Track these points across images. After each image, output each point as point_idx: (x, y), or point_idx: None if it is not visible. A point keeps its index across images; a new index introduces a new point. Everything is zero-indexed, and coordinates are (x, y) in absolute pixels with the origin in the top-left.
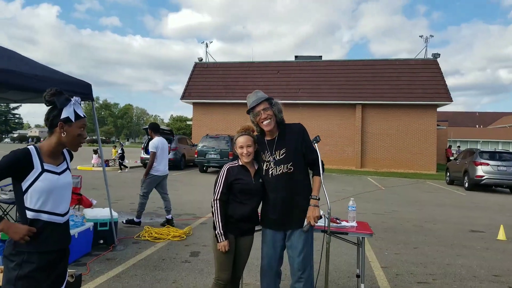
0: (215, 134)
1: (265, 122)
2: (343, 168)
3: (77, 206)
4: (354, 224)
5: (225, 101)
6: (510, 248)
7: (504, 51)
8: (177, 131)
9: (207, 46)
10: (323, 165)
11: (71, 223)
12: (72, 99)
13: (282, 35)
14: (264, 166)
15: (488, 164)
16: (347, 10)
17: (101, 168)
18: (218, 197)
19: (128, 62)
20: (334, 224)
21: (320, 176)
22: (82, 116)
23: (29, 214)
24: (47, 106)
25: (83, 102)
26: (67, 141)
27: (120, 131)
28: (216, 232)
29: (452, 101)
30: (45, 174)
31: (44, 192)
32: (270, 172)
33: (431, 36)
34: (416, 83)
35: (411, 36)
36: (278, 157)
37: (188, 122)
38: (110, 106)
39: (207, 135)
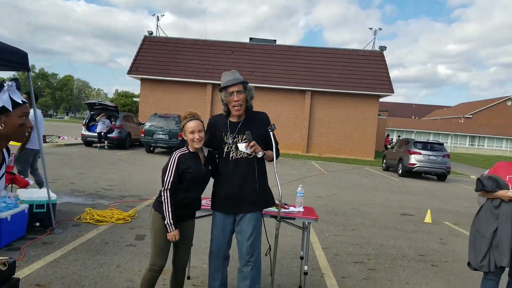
0: (164, 113)
1: (236, 107)
2: (290, 152)
3: (9, 186)
4: (301, 209)
5: (175, 79)
6: (434, 230)
7: (445, 48)
8: (123, 108)
9: (158, 19)
10: (278, 152)
11: (2, 205)
12: (5, 84)
13: (238, 14)
14: (225, 148)
15: (420, 154)
16: None
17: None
18: (168, 187)
19: (69, 29)
20: (283, 210)
21: (273, 151)
22: (21, 102)
23: None
24: None
25: (16, 72)
26: (8, 134)
27: (59, 104)
28: (166, 222)
29: (393, 92)
30: None
31: None
32: (230, 155)
33: (380, 29)
34: (362, 73)
35: (364, 27)
36: (240, 141)
37: (134, 99)
38: (48, 76)
39: (155, 113)
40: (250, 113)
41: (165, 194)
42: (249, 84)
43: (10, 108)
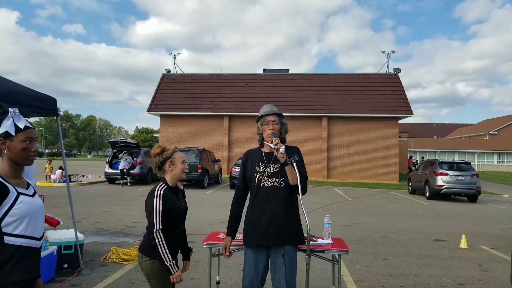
0: (183, 147)
1: (268, 132)
2: (310, 179)
3: None
4: (329, 241)
5: (193, 113)
6: (472, 256)
7: (463, 65)
8: (143, 144)
9: (175, 57)
10: (305, 188)
11: None
12: (9, 111)
13: (251, 46)
14: (257, 176)
15: (447, 174)
16: (316, 23)
17: (62, 184)
18: (160, 227)
19: (91, 72)
20: (311, 242)
21: (300, 180)
22: (24, 127)
23: (10, 240)
24: None
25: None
26: (14, 158)
27: (82, 144)
28: (169, 264)
29: (412, 113)
30: (21, 197)
31: (23, 215)
32: (262, 183)
33: (393, 51)
34: (378, 96)
35: (377, 49)
36: (272, 170)
37: (154, 135)
38: (72, 117)
39: (175, 148)
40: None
41: (159, 236)
42: (284, 120)
43: (13, 133)
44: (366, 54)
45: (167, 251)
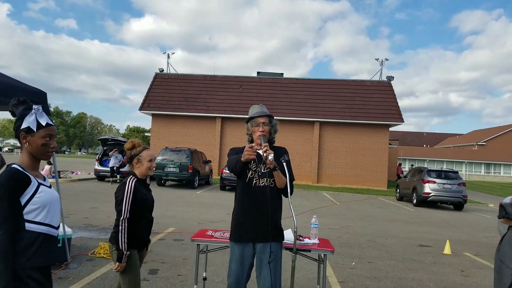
0: (175, 147)
1: (258, 134)
2: (300, 183)
3: None
4: (316, 241)
5: (185, 114)
6: (455, 262)
7: (456, 76)
8: None
9: (168, 56)
10: (292, 189)
11: None
12: (33, 107)
13: (248, 49)
14: (249, 173)
15: (435, 182)
16: (313, 28)
17: (51, 180)
18: (127, 216)
19: (84, 68)
20: (298, 242)
21: (288, 182)
22: (45, 125)
23: (31, 227)
24: (13, 117)
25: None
26: (33, 152)
27: (72, 141)
28: (123, 252)
29: (403, 121)
30: (42, 187)
31: (44, 204)
32: (254, 182)
33: (386, 59)
34: (370, 103)
35: (373, 56)
36: (263, 170)
37: (146, 134)
38: (62, 114)
39: (166, 147)
40: (272, 148)
41: (124, 225)
42: (274, 121)
43: (34, 129)
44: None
45: (125, 240)
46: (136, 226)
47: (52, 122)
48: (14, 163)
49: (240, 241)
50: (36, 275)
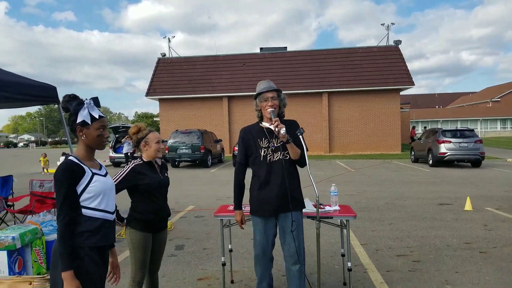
0: (185, 129)
1: (269, 110)
2: (312, 154)
3: (53, 210)
4: (337, 208)
5: (191, 96)
6: (477, 217)
7: (468, 34)
8: None
9: (169, 40)
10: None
11: (50, 228)
12: (85, 102)
13: (249, 25)
14: (262, 152)
15: (450, 142)
16: None
17: None
18: (116, 182)
19: (86, 59)
20: (320, 210)
21: (301, 153)
22: (98, 117)
23: (87, 213)
24: (66, 113)
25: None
26: (89, 143)
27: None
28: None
29: (414, 84)
30: (96, 177)
31: (98, 192)
32: (268, 158)
33: (393, 23)
34: (379, 69)
35: (379, 22)
36: (276, 144)
37: (155, 119)
38: None
39: (177, 130)
40: (282, 121)
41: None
42: (282, 94)
43: (89, 122)
44: (368, 27)
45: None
46: (140, 208)
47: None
48: (71, 155)
49: (263, 214)
50: (93, 254)
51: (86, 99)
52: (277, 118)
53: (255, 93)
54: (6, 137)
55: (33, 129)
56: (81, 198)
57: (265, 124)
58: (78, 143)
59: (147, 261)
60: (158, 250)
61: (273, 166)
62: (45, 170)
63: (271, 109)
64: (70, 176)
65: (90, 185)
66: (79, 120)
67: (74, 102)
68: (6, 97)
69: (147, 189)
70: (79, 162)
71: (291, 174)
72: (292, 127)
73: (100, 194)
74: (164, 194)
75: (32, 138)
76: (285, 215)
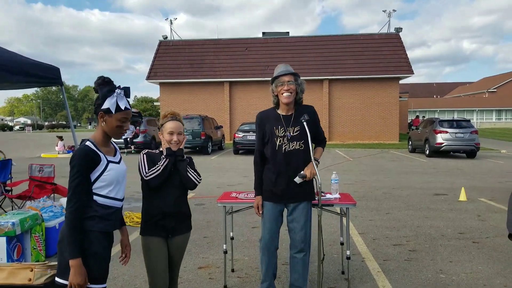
0: (185, 115)
1: (285, 94)
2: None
3: (52, 196)
4: (337, 195)
5: (192, 80)
6: (471, 208)
7: (470, 21)
8: (144, 113)
9: (171, 22)
10: (325, 142)
11: (50, 214)
12: (116, 90)
13: (254, 6)
14: (278, 141)
15: (447, 132)
16: None
17: (66, 155)
18: (147, 174)
19: (86, 39)
20: (321, 197)
21: (323, 148)
22: (123, 108)
23: (98, 200)
24: (96, 93)
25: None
26: (107, 131)
27: (81, 115)
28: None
29: (413, 73)
30: (110, 165)
31: (111, 181)
32: (283, 148)
33: (394, 10)
34: (379, 57)
35: (384, 7)
36: (292, 134)
37: (155, 103)
38: (69, 88)
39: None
40: (299, 107)
41: (153, 175)
42: (300, 79)
43: (113, 111)
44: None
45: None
46: (145, 207)
47: (130, 106)
48: (88, 140)
49: (275, 202)
50: (101, 238)
51: (119, 86)
52: (314, 172)
53: (257, 78)
54: (2, 119)
55: (30, 112)
56: (94, 186)
57: (282, 111)
58: (97, 127)
59: (158, 270)
60: (173, 257)
61: (288, 156)
62: (59, 153)
63: (287, 92)
64: (86, 163)
65: (104, 173)
66: (104, 106)
67: (105, 88)
68: (10, 78)
69: (146, 184)
70: (95, 149)
71: (306, 163)
72: (311, 113)
73: (113, 183)
74: (174, 189)
75: (28, 122)
76: (295, 205)
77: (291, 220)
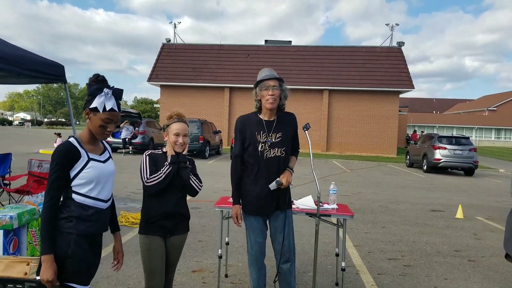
0: None
1: (270, 100)
2: (309, 151)
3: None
4: (335, 206)
5: (193, 84)
6: (467, 226)
7: (473, 39)
8: (143, 114)
9: (175, 26)
10: (298, 152)
11: None
12: (104, 90)
13: (257, 14)
14: (259, 147)
15: (445, 148)
16: None
17: None
18: (147, 179)
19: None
20: (319, 207)
21: (296, 157)
22: (108, 109)
23: (76, 198)
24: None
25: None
26: (91, 129)
27: (80, 113)
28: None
29: (413, 88)
30: (92, 162)
31: (91, 179)
32: (265, 154)
33: (397, 24)
34: (380, 70)
35: (388, 20)
36: (273, 140)
37: (155, 105)
38: (70, 86)
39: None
40: (281, 113)
41: (153, 181)
42: (285, 85)
43: (100, 110)
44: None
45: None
46: (146, 207)
47: (119, 109)
48: (73, 136)
49: (256, 215)
50: (81, 242)
51: (112, 87)
52: (289, 180)
53: (250, 85)
54: (1, 114)
55: (30, 108)
56: (73, 183)
57: (264, 116)
58: (86, 124)
59: (155, 270)
60: (170, 257)
61: (269, 163)
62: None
63: (271, 96)
64: (65, 158)
65: (83, 170)
66: (92, 104)
67: (94, 86)
68: (17, 72)
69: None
70: (77, 145)
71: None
72: (292, 121)
73: (93, 181)
74: (177, 191)
75: (28, 117)
76: (276, 214)
77: (274, 231)
